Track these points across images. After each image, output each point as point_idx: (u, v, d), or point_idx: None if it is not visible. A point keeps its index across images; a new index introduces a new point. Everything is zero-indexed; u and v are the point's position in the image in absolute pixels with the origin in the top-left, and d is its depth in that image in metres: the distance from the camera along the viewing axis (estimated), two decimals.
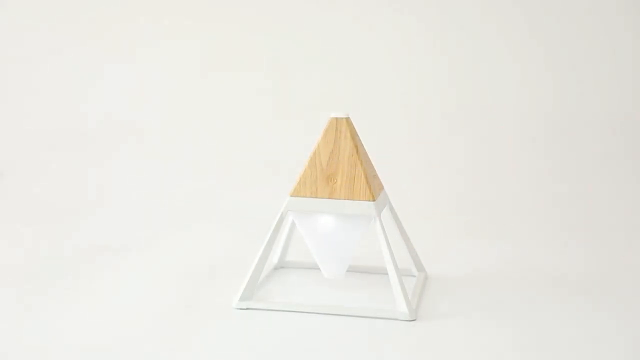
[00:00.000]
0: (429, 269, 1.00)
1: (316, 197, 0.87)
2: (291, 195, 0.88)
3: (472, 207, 1.32)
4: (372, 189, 0.87)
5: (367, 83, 1.68)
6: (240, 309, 0.88)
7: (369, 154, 0.91)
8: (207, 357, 0.78)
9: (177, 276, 0.99)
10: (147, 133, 1.62)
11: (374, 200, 0.87)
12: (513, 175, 1.42)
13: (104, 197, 1.39)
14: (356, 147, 0.87)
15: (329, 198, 0.87)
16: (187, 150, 1.58)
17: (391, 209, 0.96)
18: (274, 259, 1.00)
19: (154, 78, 1.70)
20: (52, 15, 1.74)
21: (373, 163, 0.92)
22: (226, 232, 1.20)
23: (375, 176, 0.91)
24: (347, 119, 0.88)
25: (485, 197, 1.35)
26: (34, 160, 1.54)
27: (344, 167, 0.87)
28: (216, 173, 1.50)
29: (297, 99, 1.67)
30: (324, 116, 0.89)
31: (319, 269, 0.95)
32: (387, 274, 0.87)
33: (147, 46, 1.73)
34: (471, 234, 1.19)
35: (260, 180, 1.46)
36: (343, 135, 0.88)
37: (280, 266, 1.00)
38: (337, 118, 0.88)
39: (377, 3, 1.70)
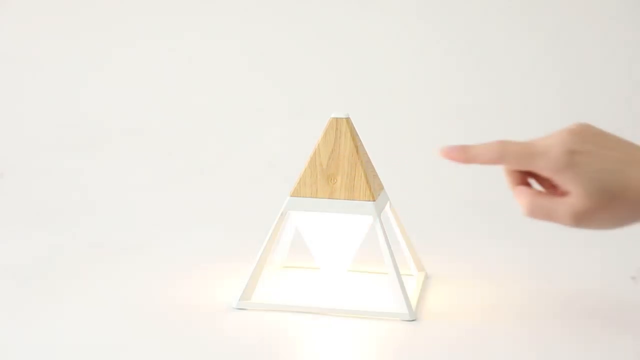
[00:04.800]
0: (429, 269, 1.00)
1: (316, 197, 0.87)
2: (291, 196, 0.88)
3: (473, 207, 1.31)
4: (372, 189, 0.87)
5: (367, 83, 1.68)
6: (240, 309, 0.88)
7: (369, 154, 0.91)
8: (206, 357, 0.78)
9: (177, 276, 0.99)
10: (147, 133, 1.62)
11: (374, 200, 0.87)
12: None
13: (103, 197, 1.39)
14: (356, 147, 0.87)
15: (329, 198, 0.87)
16: (186, 150, 1.58)
17: (391, 209, 0.96)
18: (275, 259, 1.00)
19: (154, 78, 1.70)
20: (52, 14, 1.74)
21: (373, 163, 0.92)
22: (226, 232, 1.20)
23: (375, 176, 0.91)
24: (347, 119, 0.88)
25: (486, 197, 1.35)
26: (34, 160, 1.54)
27: (344, 167, 0.87)
28: (216, 173, 1.50)
29: (297, 99, 1.67)
30: (324, 116, 0.89)
31: (319, 269, 0.96)
32: (387, 274, 0.87)
33: (147, 46, 1.73)
34: (472, 233, 1.19)
35: (260, 180, 1.46)
36: (343, 135, 0.87)
37: (281, 266, 1.00)
38: (337, 118, 0.88)
39: (378, 3, 1.70)
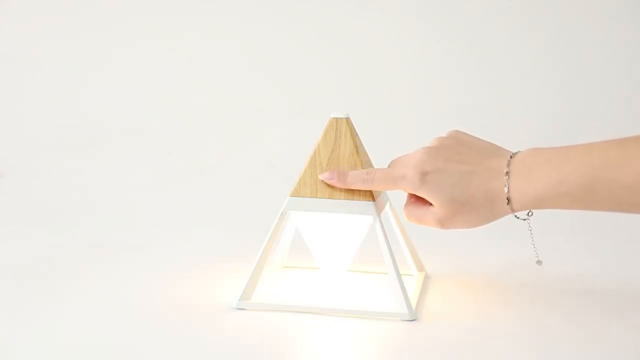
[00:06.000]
0: (429, 269, 1.00)
1: (316, 197, 0.87)
2: (291, 196, 0.88)
3: None
4: None
5: (367, 83, 1.68)
6: (240, 309, 0.88)
7: (369, 154, 0.91)
8: (206, 357, 0.78)
9: (177, 276, 0.99)
10: (147, 133, 1.62)
11: (374, 200, 0.87)
12: None
13: (103, 197, 1.39)
14: (356, 147, 0.87)
15: (329, 198, 0.87)
16: (186, 150, 1.58)
17: (391, 209, 0.96)
18: (275, 259, 1.00)
19: (154, 78, 1.70)
20: (52, 14, 1.74)
21: (373, 163, 0.92)
22: (226, 232, 1.20)
23: None
24: (347, 119, 0.88)
25: None
26: (34, 160, 1.54)
27: (343, 167, 0.87)
28: (216, 173, 1.50)
29: (297, 99, 1.67)
30: (324, 116, 0.89)
31: (319, 269, 0.95)
32: (387, 274, 0.87)
33: (147, 46, 1.73)
34: (472, 233, 1.18)
35: (260, 180, 1.46)
36: (343, 135, 0.88)
37: (281, 266, 1.00)
38: (337, 118, 0.88)
39: (378, 3, 1.70)
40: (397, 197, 1.00)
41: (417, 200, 0.84)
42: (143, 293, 0.93)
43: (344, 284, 0.95)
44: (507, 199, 0.78)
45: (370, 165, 0.91)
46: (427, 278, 0.98)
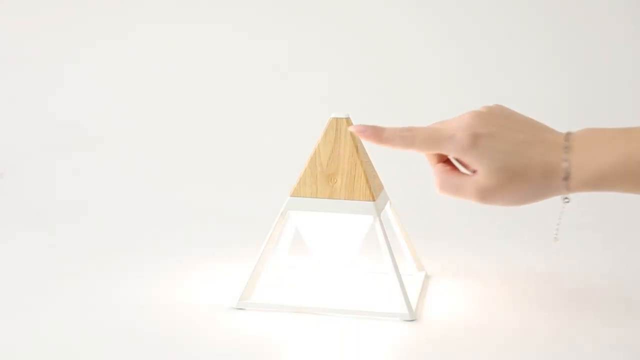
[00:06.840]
0: (429, 269, 1.00)
1: (316, 197, 0.87)
2: (291, 196, 0.88)
3: (473, 207, 1.31)
4: (372, 189, 0.87)
5: (367, 83, 1.68)
6: (240, 309, 0.88)
7: (369, 154, 0.91)
8: (206, 357, 0.78)
9: (177, 276, 0.99)
10: (148, 133, 1.62)
11: (374, 200, 0.87)
12: None
13: (103, 198, 1.39)
14: (356, 147, 0.87)
15: (329, 198, 0.87)
16: (186, 150, 1.58)
17: (391, 208, 0.96)
18: (275, 258, 1.00)
19: (154, 78, 1.70)
20: (53, 14, 1.74)
21: (373, 163, 0.92)
22: (226, 232, 1.20)
23: (375, 176, 0.91)
24: (347, 119, 0.88)
25: None
26: (34, 160, 1.54)
27: (344, 167, 0.87)
28: (216, 173, 1.50)
29: (297, 99, 1.67)
30: (324, 116, 0.89)
31: (319, 269, 0.95)
32: (387, 274, 0.87)
33: (147, 46, 1.73)
34: (472, 233, 1.19)
35: (260, 180, 1.46)
36: (343, 135, 0.88)
37: (281, 266, 1.00)
38: (337, 118, 0.88)
39: (378, 2, 1.70)
40: (396, 197, 1.00)
41: (453, 169, 0.77)
42: (143, 293, 0.93)
43: (344, 284, 0.95)
44: (567, 173, 0.72)
45: (371, 166, 0.91)
46: (427, 278, 0.98)
